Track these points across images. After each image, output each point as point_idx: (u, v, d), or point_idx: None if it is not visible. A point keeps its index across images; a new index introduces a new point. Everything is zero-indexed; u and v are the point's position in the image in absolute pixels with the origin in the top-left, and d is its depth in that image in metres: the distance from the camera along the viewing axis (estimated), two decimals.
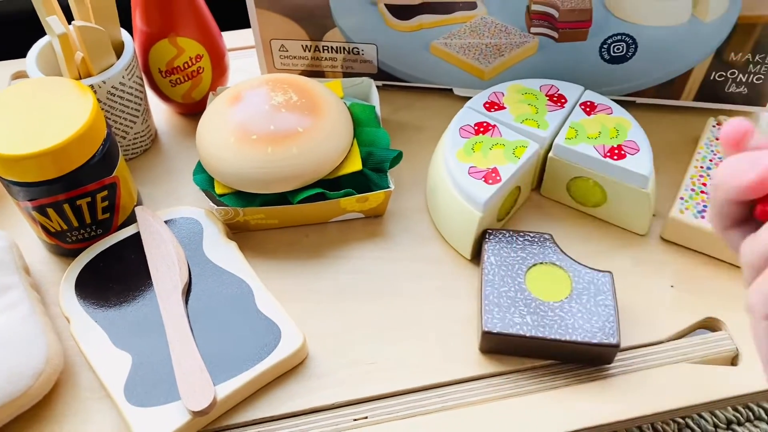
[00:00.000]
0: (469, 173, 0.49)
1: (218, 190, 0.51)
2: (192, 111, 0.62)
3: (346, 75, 0.63)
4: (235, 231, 0.53)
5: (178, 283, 0.47)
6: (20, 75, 0.68)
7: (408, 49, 0.59)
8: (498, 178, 0.49)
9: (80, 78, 0.52)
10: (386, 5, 0.57)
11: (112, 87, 0.52)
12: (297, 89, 0.52)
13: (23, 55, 0.70)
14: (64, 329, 0.48)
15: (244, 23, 0.67)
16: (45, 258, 0.53)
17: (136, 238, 0.51)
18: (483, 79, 0.60)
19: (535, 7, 0.55)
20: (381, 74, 0.62)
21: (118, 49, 0.54)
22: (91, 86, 0.51)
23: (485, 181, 0.48)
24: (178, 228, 0.51)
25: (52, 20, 0.48)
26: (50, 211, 0.48)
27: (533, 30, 0.56)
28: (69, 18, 0.53)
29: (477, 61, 0.59)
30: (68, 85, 0.47)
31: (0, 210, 0.56)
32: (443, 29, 0.57)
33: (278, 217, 0.52)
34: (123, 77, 0.53)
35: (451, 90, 0.63)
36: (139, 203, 0.54)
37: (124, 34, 0.54)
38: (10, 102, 0.47)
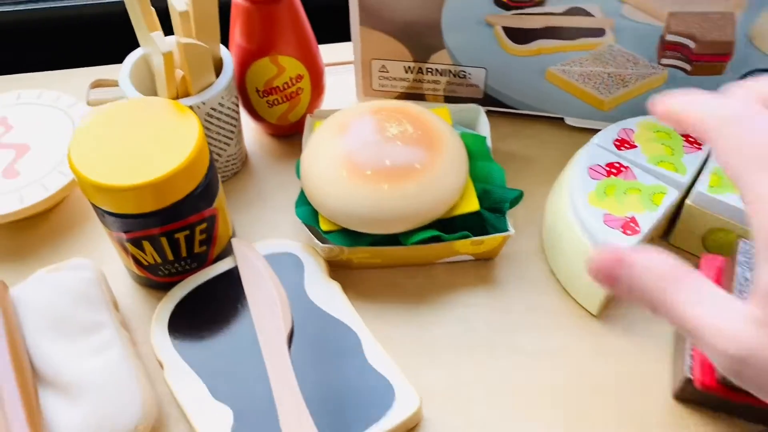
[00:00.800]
0: (604, 221, 0.44)
1: (324, 226, 0.47)
2: (285, 132, 0.58)
3: (448, 99, 0.58)
4: (335, 268, 0.49)
5: (282, 330, 0.43)
6: (100, 84, 0.64)
7: (521, 75, 0.55)
8: (637, 228, 0.44)
9: (177, 97, 0.48)
10: (504, 28, 0.52)
11: (210, 108, 0.48)
12: (411, 119, 0.47)
13: (101, 61, 0.67)
14: (154, 371, 0.44)
15: (338, 36, 0.63)
16: (132, 289, 0.49)
17: (232, 273, 0.47)
18: (601, 110, 0.56)
19: (669, 37, 0.50)
20: (487, 99, 0.57)
21: (216, 67, 0.50)
22: (190, 107, 0.47)
23: (623, 231, 0.44)
24: (277, 264, 0.48)
25: (158, 37, 0.44)
26: (146, 243, 0.44)
27: (664, 61, 0.51)
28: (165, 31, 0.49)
29: (597, 90, 0.54)
30: (171, 107, 0.44)
31: (81, 231, 0.52)
32: (564, 55, 0.53)
33: (384, 257, 0.48)
34: (222, 97, 0.49)
35: (561, 119, 0.58)
36: (234, 234, 0.50)
37: (224, 50, 0.50)
38: (108, 123, 0.43)
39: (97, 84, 0.64)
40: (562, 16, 0.50)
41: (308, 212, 0.48)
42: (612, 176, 0.47)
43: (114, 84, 0.64)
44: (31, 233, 0.52)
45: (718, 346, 0.24)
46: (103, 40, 0.71)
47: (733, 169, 0.23)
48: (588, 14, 0.50)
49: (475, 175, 0.49)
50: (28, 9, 0.68)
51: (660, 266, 0.25)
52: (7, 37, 0.70)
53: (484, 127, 0.53)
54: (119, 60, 0.66)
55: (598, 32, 0.51)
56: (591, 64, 0.53)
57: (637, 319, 0.46)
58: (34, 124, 0.54)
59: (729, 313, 0.24)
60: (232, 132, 0.52)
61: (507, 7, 0.51)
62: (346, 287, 0.48)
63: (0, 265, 0.50)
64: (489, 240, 0.47)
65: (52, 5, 0.68)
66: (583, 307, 0.47)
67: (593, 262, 0.26)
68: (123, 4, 0.67)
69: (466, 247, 0.47)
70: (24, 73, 0.65)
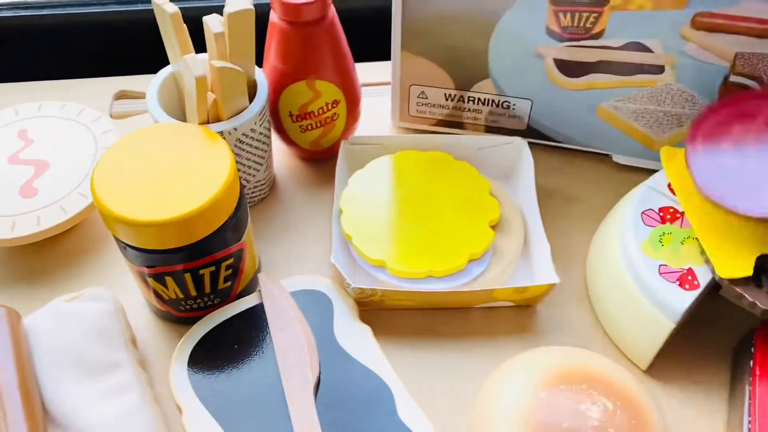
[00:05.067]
0: (660, 273, 0.41)
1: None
2: (316, 157, 0.55)
3: (489, 129, 0.55)
4: (363, 308, 0.46)
5: (309, 378, 0.41)
6: (123, 95, 0.62)
7: (569, 109, 0.52)
8: (696, 282, 0.41)
9: (208, 122, 0.45)
10: (555, 60, 0.49)
11: (242, 134, 0.46)
12: (613, 394, 0.38)
13: (125, 70, 0.65)
14: (171, 415, 0.42)
15: (375, 54, 0.60)
16: (150, 322, 0.46)
17: (256, 310, 0.44)
18: (651, 149, 0.52)
19: (733, 78, 0.47)
20: (530, 131, 0.54)
21: (249, 89, 0.47)
22: (221, 133, 0.44)
23: (680, 285, 0.41)
24: (305, 302, 0.45)
25: (191, 60, 0.41)
26: (168, 279, 0.41)
27: None
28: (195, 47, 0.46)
29: (649, 129, 0.51)
30: (201, 134, 0.41)
31: (99, 256, 0.49)
32: (617, 91, 0.50)
33: (420, 300, 0.45)
34: (255, 123, 0.46)
35: (608, 155, 0.55)
36: (259, 268, 0.47)
37: (258, 73, 0.48)
38: (134, 150, 0.40)
39: (121, 95, 0.62)
40: (619, 50, 0.47)
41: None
42: (667, 223, 0.44)
43: (138, 96, 0.62)
44: (45, 256, 0.49)
45: None
46: (128, 48, 0.68)
47: None
48: (647, 50, 0.47)
49: None
50: (53, 14, 0.66)
51: None
52: (31, 42, 0.67)
53: (526, 162, 0.50)
54: (144, 69, 0.64)
55: (657, 69, 0.48)
56: (646, 102, 0.49)
57: (688, 374, 0.43)
58: (55, 139, 0.52)
59: None
60: (262, 158, 0.49)
61: (561, 39, 0.48)
62: (376, 329, 0.45)
63: (11, 290, 0.48)
64: (533, 288, 0.44)
65: (77, 11, 0.66)
66: (630, 360, 0.44)
67: None
68: (149, 12, 0.65)
69: (507, 294, 0.44)
70: (46, 81, 0.63)
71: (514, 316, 0.46)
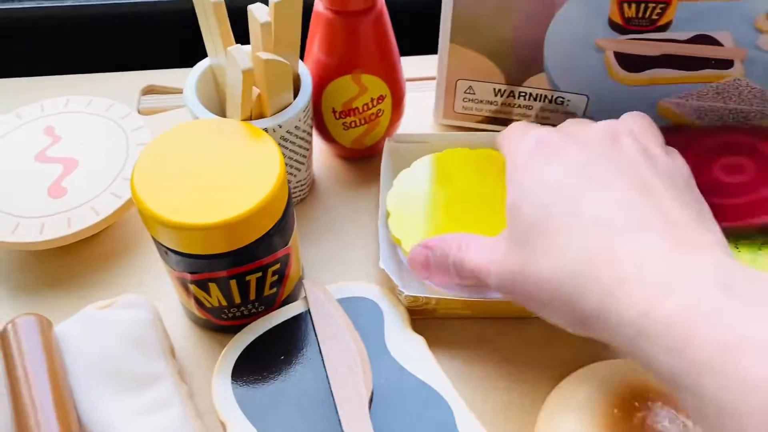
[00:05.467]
0: None
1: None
2: (356, 156, 0.52)
3: None
4: (414, 316, 0.44)
5: (363, 393, 0.38)
6: (151, 89, 0.59)
7: (628, 105, 0.49)
8: None
9: (251, 118, 0.42)
10: (615, 53, 0.46)
11: (286, 131, 0.43)
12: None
13: (149, 65, 0.62)
14: (213, 430, 0.39)
15: (417, 47, 0.57)
16: (188, 330, 0.44)
17: (302, 318, 0.42)
18: None
19: None
20: None
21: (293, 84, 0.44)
22: (265, 130, 0.42)
23: None
24: (354, 311, 0.42)
25: (238, 52, 0.38)
26: (212, 285, 0.38)
27: None
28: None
29: None
30: (246, 131, 0.38)
31: (132, 258, 0.47)
32: (680, 87, 0.47)
33: (477, 308, 0.42)
34: (299, 119, 0.43)
35: None
36: (303, 273, 0.45)
37: (302, 67, 0.45)
38: (175, 147, 0.37)
39: (149, 90, 0.59)
40: (686, 44, 0.44)
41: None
42: None
43: (168, 91, 0.59)
44: (75, 260, 0.47)
45: (488, 274, 0.34)
46: (155, 41, 0.65)
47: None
48: (717, 43, 0.44)
49: None
50: (76, 5, 0.63)
51: (443, 240, 0.38)
52: (54, 34, 0.65)
53: None
54: (170, 62, 0.62)
55: (726, 64, 0.45)
56: (711, 99, 0.47)
57: None
58: (83, 135, 0.49)
59: (494, 245, 0.35)
60: (304, 156, 0.46)
61: (623, 31, 0.45)
62: (428, 338, 0.42)
63: (40, 295, 0.45)
64: None
65: (101, 2, 0.63)
66: None
67: (410, 257, 0.39)
68: (175, 3, 0.62)
69: None
70: (71, 74, 0.60)
71: None
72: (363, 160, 0.52)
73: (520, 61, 0.48)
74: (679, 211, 0.31)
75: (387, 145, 0.48)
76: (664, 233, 0.29)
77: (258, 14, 0.40)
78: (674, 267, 0.28)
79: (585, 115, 0.50)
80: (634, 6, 0.43)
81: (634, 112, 0.38)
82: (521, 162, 0.35)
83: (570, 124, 0.38)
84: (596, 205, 0.31)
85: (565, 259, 0.31)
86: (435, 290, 0.42)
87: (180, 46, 0.59)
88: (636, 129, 0.36)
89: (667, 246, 0.29)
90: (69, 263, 0.46)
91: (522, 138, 0.37)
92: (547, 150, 0.35)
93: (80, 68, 0.61)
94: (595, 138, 0.35)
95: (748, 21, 0.43)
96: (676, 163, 0.35)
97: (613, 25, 0.45)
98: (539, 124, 0.39)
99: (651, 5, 0.43)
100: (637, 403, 0.36)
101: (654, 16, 0.44)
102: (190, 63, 0.46)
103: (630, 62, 0.46)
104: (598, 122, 0.36)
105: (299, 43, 0.43)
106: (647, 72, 0.47)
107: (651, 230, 0.29)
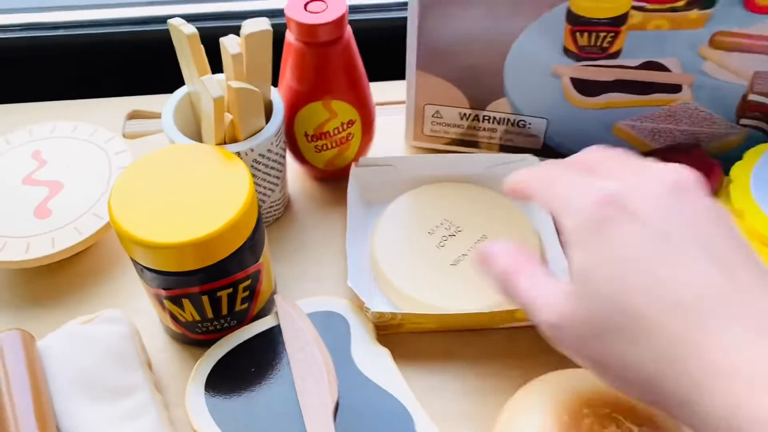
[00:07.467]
0: None
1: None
2: (330, 177, 0.55)
3: (503, 148, 0.55)
4: (381, 330, 0.46)
5: (328, 402, 0.40)
6: (136, 115, 0.62)
7: (585, 128, 0.51)
8: None
9: (225, 143, 0.45)
10: (572, 79, 0.49)
11: (259, 155, 0.45)
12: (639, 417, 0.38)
13: (136, 89, 0.65)
14: None
15: (387, 73, 0.60)
16: (164, 344, 0.46)
17: (272, 332, 0.44)
18: None
19: (752, 97, 0.47)
20: (546, 150, 0.54)
21: (265, 109, 0.47)
22: (237, 153, 0.44)
23: None
24: (322, 325, 0.44)
25: (209, 81, 0.41)
26: (185, 301, 0.41)
27: (743, 121, 0.48)
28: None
29: None
30: (218, 155, 0.41)
31: (112, 277, 0.49)
32: (634, 110, 0.49)
33: (441, 322, 0.44)
34: (272, 143, 0.46)
35: None
36: (275, 289, 0.47)
37: (274, 93, 0.47)
38: (151, 171, 0.40)
39: (134, 115, 0.62)
40: (636, 69, 0.47)
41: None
42: None
43: (151, 116, 0.62)
44: (59, 278, 0.49)
45: (542, 316, 0.32)
46: (140, 68, 0.68)
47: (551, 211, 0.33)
48: (665, 69, 0.47)
49: None
50: (65, 35, 0.66)
51: (506, 257, 0.34)
52: (43, 62, 0.68)
53: None
54: (154, 88, 0.64)
55: (675, 88, 0.47)
56: (664, 121, 0.49)
57: None
58: (68, 159, 0.52)
59: (553, 289, 0.32)
60: (278, 178, 0.49)
61: (578, 58, 0.47)
62: (394, 353, 0.44)
63: (25, 312, 0.47)
64: None
65: (90, 31, 0.66)
66: None
67: (480, 254, 0.35)
68: (161, 32, 0.65)
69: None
70: (58, 101, 0.63)
71: (536, 337, 0.46)
72: (337, 180, 0.55)
73: (482, 87, 0.51)
74: (749, 276, 0.29)
75: (353, 170, 0.50)
76: (747, 314, 0.28)
77: (229, 46, 0.42)
78: (762, 357, 0.27)
79: (546, 138, 0.53)
80: (586, 35, 0.46)
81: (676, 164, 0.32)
82: (586, 224, 0.31)
83: (621, 166, 0.33)
84: (677, 285, 0.29)
85: (648, 346, 0.28)
86: (400, 306, 0.45)
87: (166, 72, 0.62)
88: (692, 178, 0.31)
89: (752, 334, 0.27)
90: (53, 281, 0.49)
91: (579, 191, 0.32)
92: (615, 211, 0.30)
93: (70, 94, 0.63)
94: (662, 194, 0.31)
95: (693, 48, 0.45)
96: (725, 212, 0.32)
97: (568, 53, 0.47)
98: (581, 168, 0.34)
99: (602, 34, 0.46)
100: (586, 410, 0.39)
101: (605, 44, 0.46)
102: (175, 89, 0.49)
103: (586, 87, 0.49)
104: (656, 169, 0.32)
105: (270, 72, 0.45)
106: (602, 96, 0.49)
107: (733, 311, 0.28)
